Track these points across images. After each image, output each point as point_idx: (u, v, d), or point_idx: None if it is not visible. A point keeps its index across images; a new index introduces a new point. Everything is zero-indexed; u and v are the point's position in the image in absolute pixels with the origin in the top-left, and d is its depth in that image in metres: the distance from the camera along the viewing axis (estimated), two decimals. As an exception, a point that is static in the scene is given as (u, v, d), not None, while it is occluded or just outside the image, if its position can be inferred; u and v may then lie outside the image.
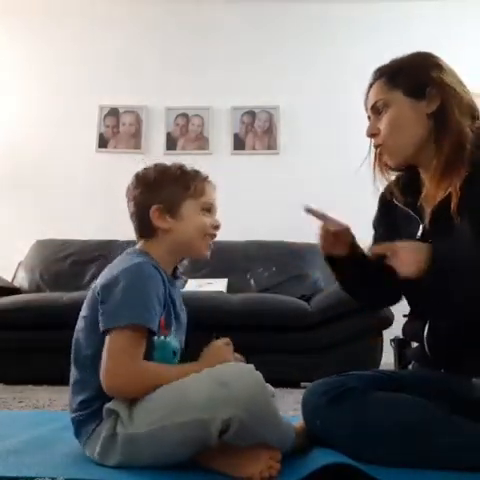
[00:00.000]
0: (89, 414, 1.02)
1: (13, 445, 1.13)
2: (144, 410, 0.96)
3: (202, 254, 1.17)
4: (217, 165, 3.78)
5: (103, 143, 3.74)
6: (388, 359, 2.67)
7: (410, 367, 1.30)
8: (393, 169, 1.24)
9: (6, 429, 1.33)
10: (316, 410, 1.08)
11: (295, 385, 2.35)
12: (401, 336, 1.28)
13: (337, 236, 1.19)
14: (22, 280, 3.23)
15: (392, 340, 2.69)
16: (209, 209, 1.17)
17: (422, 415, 1.01)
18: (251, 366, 0.98)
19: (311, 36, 3.73)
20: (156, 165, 1.18)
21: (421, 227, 1.16)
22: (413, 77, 1.15)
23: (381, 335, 2.62)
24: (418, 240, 1.14)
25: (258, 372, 0.96)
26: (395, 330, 2.55)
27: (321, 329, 2.57)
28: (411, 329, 1.22)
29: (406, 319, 1.26)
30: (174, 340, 1.09)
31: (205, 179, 1.17)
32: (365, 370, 1.22)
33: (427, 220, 1.16)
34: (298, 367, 2.42)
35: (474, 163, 1.07)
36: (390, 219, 1.27)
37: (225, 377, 0.94)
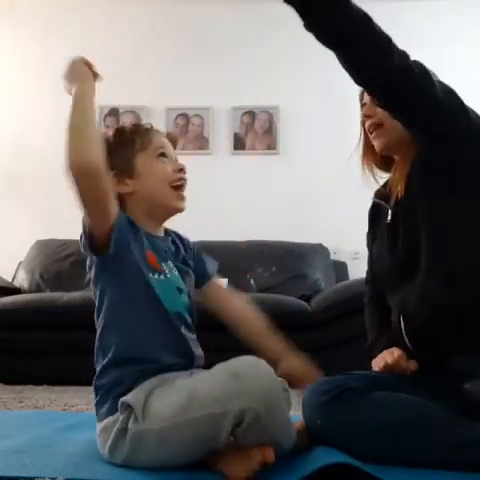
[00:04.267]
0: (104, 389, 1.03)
1: (13, 445, 1.13)
2: (158, 406, 0.96)
3: (176, 206, 1.13)
4: (217, 165, 3.80)
5: (103, 143, 3.74)
6: (388, 359, 2.67)
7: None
8: (378, 162, 1.35)
9: (6, 429, 1.33)
10: (317, 409, 1.08)
11: (295, 385, 2.35)
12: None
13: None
14: (22, 280, 3.23)
15: (392, 340, 2.69)
16: (163, 154, 1.13)
17: (422, 414, 1.02)
18: (262, 360, 0.96)
19: (311, 36, 3.72)
20: None
21: (390, 212, 1.24)
22: None
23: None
24: (387, 225, 1.24)
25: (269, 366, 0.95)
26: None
27: (321, 329, 2.57)
28: (394, 323, 1.22)
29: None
30: (175, 278, 1.09)
31: (148, 129, 1.15)
32: (365, 370, 1.22)
33: (392, 203, 1.23)
34: (298, 367, 2.41)
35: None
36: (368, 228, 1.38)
37: (238, 369, 0.93)
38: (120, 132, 1.14)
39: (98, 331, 1.07)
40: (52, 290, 3.08)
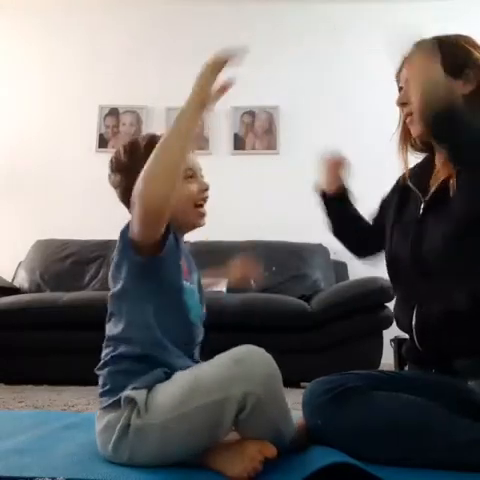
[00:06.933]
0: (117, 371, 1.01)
1: (13, 445, 1.13)
2: (160, 399, 0.95)
3: (196, 223, 1.13)
4: (217, 165, 3.79)
5: (103, 143, 3.74)
6: (388, 359, 2.67)
7: (406, 368, 1.31)
8: (415, 145, 1.28)
9: (6, 429, 1.33)
10: (317, 409, 1.07)
11: (295, 385, 2.35)
12: (401, 336, 1.29)
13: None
14: (22, 280, 3.23)
15: (392, 340, 2.68)
16: (191, 175, 1.11)
17: (422, 414, 1.02)
18: (262, 349, 0.97)
19: (311, 36, 3.73)
20: (125, 146, 1.13)
21: (422, 204, 1.20)
22: (453, 55, 1.13)
23: (381, 335, 2.61)
24: (418, 219, 1.20)
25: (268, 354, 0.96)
26: (395, 330, 2.55)
27: (321, 329, 2.58)
28: (401, 315, 1.23)
29: (395, 307, 1.28)
30: (197, 291, 1.11)
31: None
32: (365, 370, 1.22)
33: (428, 197, 1.19)
34: (298, 367, 2.41)
35: None
36: (395, 202, 1.32)
37: (238, 355, 0.94)
38: (134, 148, 1.10)
39: (122, 321, 1.03)
40: (52, 290, 3.08)
